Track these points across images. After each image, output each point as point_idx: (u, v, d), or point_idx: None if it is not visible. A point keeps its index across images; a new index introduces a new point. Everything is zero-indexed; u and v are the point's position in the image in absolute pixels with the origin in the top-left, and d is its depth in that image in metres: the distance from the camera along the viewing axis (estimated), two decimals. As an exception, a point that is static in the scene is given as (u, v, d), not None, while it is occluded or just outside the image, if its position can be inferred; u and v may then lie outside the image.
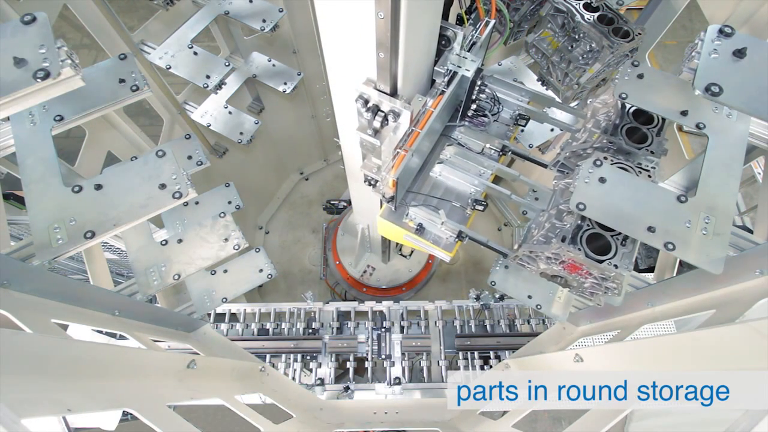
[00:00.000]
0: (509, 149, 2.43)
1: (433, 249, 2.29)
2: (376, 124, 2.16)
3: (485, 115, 2.49)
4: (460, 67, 2.20)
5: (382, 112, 2.14)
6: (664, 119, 2.06)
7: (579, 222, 1.86)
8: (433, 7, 1.97)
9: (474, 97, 2.39)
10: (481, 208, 2.31)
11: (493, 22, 2.37)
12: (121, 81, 2.07)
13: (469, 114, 2.48)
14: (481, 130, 2.51)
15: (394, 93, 2.11)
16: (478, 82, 2.30)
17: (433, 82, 2.34)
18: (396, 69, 1.97)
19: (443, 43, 2.25)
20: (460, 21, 2.43)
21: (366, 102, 2.14)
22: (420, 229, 2.27)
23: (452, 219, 2.25)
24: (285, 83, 4.30)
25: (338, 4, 1.86)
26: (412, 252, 5.37)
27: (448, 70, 2.19)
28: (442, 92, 2.16)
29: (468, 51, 2.27)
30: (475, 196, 2.38)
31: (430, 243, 2.27)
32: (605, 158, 1.92)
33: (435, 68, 2.23)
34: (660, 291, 2.41)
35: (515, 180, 2.40)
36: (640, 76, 2.01)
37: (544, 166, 2.39)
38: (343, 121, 2.71)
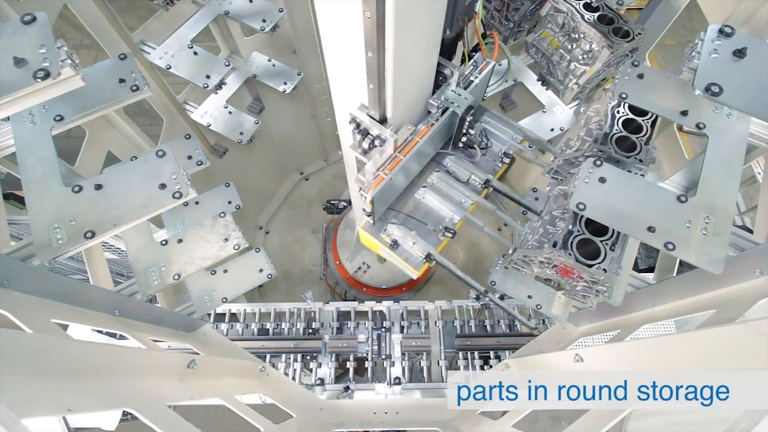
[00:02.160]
0: (491, 185, 2.55)
1: (402, 265, 2.43)
2: (365, 145, 2.29)
3: (474, 148, 2.60)
4: (452, 103, 2.31)
5: (371, 135, 2.26)
6: (653, 128, 2.08)
7: (570, 227, 1.88)
8: (420, 47, 2.04)
9: (464, 131, 2.49)
10: (450, 235, 2.43)
11: (493, 63, 2.47)
12: (121, 81, 2.07)
13: (460, 144, 2.59)
14: (470, 161, 2.64)
15: (383, 120, 2.22)
16: (469, 118, 2.38)
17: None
18: (384, 100, 2.07)
19: (441, 78, 2.37)
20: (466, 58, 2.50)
21: (358, 125, 2.27)
22: (394, 245, 2.41)
23: (426, 241, 2.38)
24: (285, 83, 4.30)
25: (337, 44, 1.99)
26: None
27: (441, 104, 2.30)
28: (432, 124, 2.30)
29: (465, 89, 2.38)
30: (448, 224, 2.49)
31: (402, 259, 2.41)
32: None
33: (429, 101, 2.33)
34: (660, 291, 2.41)
35: (493, 213, 2.52)
36: (640, 76, 2.02)
37: (526, 208, 2.55)
38: (343, 123, 2.75)
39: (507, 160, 2.65)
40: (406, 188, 2.58)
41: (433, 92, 2.39)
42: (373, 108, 2.15)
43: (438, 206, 2.55)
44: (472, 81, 2.42)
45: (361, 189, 2.23)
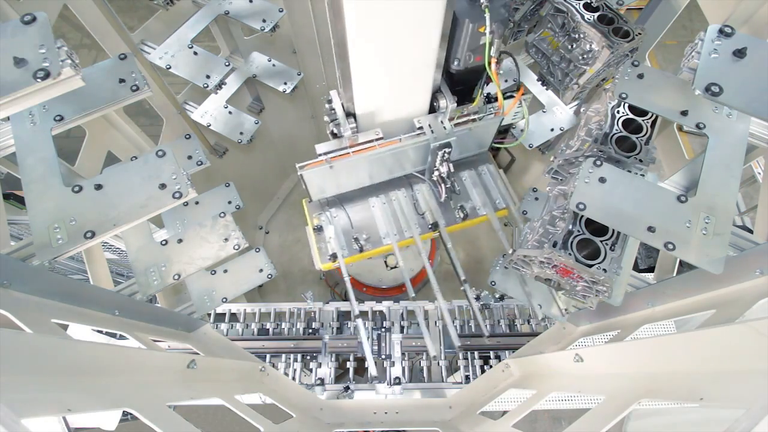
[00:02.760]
0: (439, 230, 2.59)
1: (314, 252, 2.57)
2: (331, 128, 2.38)
3: (441, 186, 2.62)
4: (432, 131, 2.32)
5: (336, 122, 2.35)
6: (653, 128, 2.08)
7: (570, 227, 1.88)
8: (380, 63, 2.04)
9: (436, 166, 2.51)
10: (359, 250, 2.56)
11: (498, 118, 2.49)
12: (121, 81, 2.07)
13: (433, 177, 2.62)
14: (437, 199, 2.64)
15: (351, 114, 2.28)
16: (444, 154, 2.41)
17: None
18: (351, 93, 2.12)
19: (435, 105, 2.40)
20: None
21: (331, 109, 2.35)
22: (318, 230, 2.53)
23: (345, 244, 2.48)
24: (285, 83, 4.30)
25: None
26: (396, 266, 5.35)
27: (421, 127, 2.34)
28: (399, 139, 2.34)
29: (455, 125, 2.39)
30: (371, 241, 2.55)
31: (317, 247, 2.54)
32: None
33: (414, 119, 2.36)
34: (660, 291, 2.41)
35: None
36: (640, 76, 2.01)
37: (461, 281, 2.60)
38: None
39: (461, 216, 2.65)
40: (367, 190, 2.63)
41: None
42: (343, 97, 2.21)
43: (380, 221, 2.59)
44: (467, 123, 2.44)
45: (300, 164, 2.27)
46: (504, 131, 2.74)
